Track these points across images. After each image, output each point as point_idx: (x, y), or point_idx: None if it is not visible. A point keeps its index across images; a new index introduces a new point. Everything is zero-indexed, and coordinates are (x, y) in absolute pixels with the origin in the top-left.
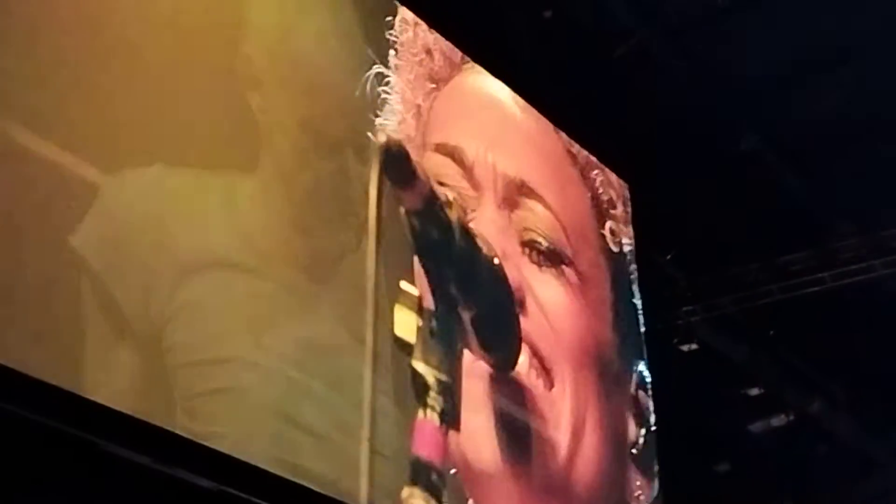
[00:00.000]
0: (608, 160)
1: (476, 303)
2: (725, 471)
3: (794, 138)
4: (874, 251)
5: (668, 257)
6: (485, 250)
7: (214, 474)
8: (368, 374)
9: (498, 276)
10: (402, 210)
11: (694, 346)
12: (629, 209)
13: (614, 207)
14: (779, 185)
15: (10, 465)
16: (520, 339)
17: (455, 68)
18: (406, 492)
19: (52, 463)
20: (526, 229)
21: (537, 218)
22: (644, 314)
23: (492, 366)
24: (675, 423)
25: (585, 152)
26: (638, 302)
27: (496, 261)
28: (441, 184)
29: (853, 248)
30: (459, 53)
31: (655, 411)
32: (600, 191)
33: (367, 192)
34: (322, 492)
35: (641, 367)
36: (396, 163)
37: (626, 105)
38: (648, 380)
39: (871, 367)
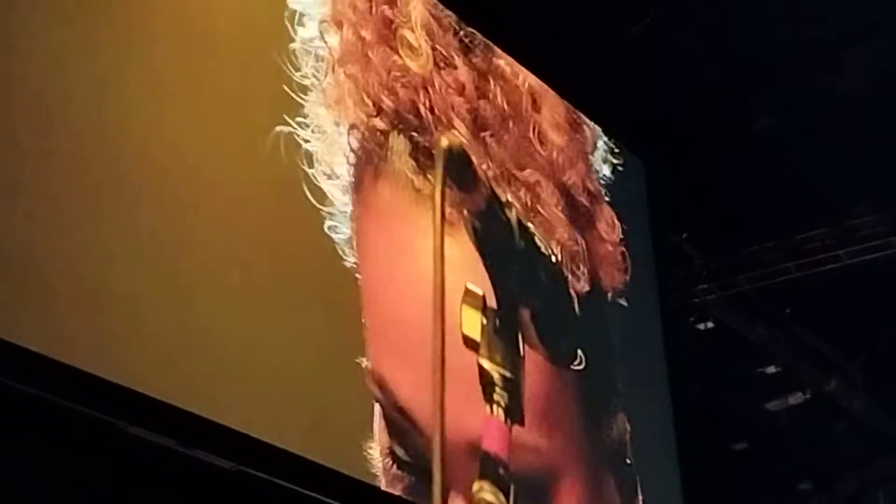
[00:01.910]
0: (624, 138)
1: (536, 300)
2: (742, 449)
3: (811, 115)
4: (891, 228)
5: (684, 236)
6: (543, 248)
7: (234, 455)
8: (438, 371)
9: (556, 272)
10: (465, 211)
11: (710, 325)
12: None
13: None
14: (795, 163)
15: (32, 448)
16: (578, 335)
17: None
18: (476, 486)
19: (73, 445)
20: None
21: None
22: (660, 293)
23: (551, 361)
24: (692, 402)
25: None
26: None
27: (553, 259)
28: None
29: (870, 226)
30: None
31: (672, 390)
32: None
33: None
34: (342, 471)
35: None
36: (459, 165)
37: (642, 83)
38: None
39: (888, 345)
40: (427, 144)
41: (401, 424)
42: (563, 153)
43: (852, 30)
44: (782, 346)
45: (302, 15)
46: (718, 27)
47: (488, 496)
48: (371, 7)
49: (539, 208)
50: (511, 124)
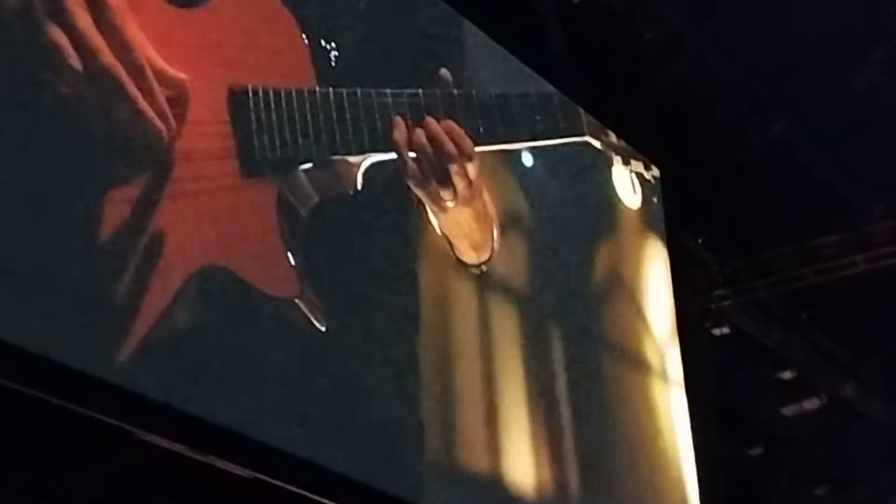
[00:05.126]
0: (639, 144)
1: None
2: (759, 454)
3: (826, 121)
4: None
5: (700, 241)
6: None
7: (250, 462)
8: None
9: None
10: None
11: (726, 330)
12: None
13: None
14: (811, 168)
15: (47, 454)
16: None
17: None
18: None
19: (88, 451)
20: None
21: None
22: (676, 298)
23: None
24: (709, 407)
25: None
26: None
27: None
28: None
29: (886, 231)
30: None
31: (688, 395)
32: None
33: None
34: (358, 479)
35: None
36: None
37: (657, 89)
38: None
39: None
40: None
41: None
42: None
43: (866, 34)
44: (798, 351)
45: None
46: (733, 31)
47: None
48: None
49: None
50: None
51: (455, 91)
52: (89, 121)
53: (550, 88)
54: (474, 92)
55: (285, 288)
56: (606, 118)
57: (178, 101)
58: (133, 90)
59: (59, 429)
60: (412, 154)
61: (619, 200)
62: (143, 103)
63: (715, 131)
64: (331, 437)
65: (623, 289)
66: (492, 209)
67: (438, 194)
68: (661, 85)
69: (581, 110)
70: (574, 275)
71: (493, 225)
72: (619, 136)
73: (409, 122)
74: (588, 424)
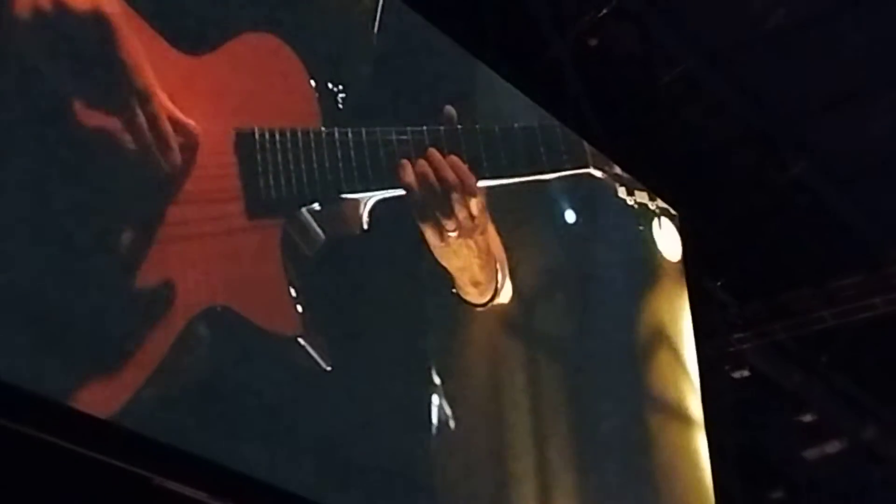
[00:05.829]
0: (657, 188)
1: None
2: (780, 498)
3: (844, 163)
4: None
5: (719, 284)
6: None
7: None
8: None
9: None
10: None
11: (746, 373)
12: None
13: None
14: (829, 210)
15: (66, 500)
16: None
17: None
18: None
19: (107, 498)
20: None
21: None
22: (696, 341)
23: None
24: (729, 451)
25: None
26: None
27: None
28: None
29: None
30: None
31: (709, 439)
32: None
33: None
34: None
35: None
36: None
37: (675, 132)
38: None
39: None
40: None
41: None
42: None
43: (884, 77)
44: (819, 394)
45: None
46: (750, 75)
47: None
48: None
49: None
50: None
51: (459, 127)
52: (98, 165)
53: (553, 121)
54: (478, 127)
55: (290, 327)
56: (624, 161)
57: (187, 145)
58: (144, 135)
59: (76, 475)
60: (414, 187)
61: (657, 249)
62: (153, 148)
63: (733, 174)
64: (336, 478)
65: (649, 333)
66: (497, 250)
67: (440, 227)
68: (679, 128)
69: (584, 142)
70: (601, 318)
71: (498, 265)
72: (636, 179)
73: (413, 157)
74: (613, 466)
